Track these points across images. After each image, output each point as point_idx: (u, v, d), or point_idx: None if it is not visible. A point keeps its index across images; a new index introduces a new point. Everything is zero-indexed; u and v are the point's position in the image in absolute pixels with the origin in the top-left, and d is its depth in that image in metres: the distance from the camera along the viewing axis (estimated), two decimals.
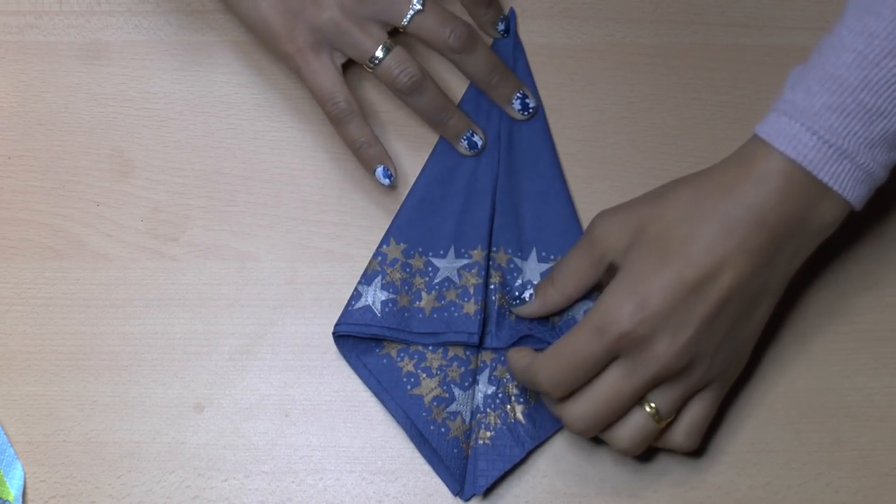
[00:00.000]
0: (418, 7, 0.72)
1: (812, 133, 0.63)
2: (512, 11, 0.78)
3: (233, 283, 0.75)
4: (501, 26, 0.77)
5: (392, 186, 0.75)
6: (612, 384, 0.66)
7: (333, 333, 0.72)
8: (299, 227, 0.76)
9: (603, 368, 0.66)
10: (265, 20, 0.73)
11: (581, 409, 0.67)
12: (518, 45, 0.77)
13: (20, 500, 0.71)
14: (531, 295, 0.71)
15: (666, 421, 0.67)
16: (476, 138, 0.75)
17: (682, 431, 0.68)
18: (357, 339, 0.73)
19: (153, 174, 0.77)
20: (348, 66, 0.75)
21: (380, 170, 0.74)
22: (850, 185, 0.64)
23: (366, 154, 0.74)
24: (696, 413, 0.68)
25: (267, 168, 0.77)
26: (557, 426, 0.72)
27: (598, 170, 0.76)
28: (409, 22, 0.72)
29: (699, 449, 0.71)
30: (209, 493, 0.72)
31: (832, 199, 0.65)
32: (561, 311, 0.71)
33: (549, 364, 0.66)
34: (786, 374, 0.73)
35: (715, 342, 0.66)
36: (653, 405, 0.66)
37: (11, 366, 0.73)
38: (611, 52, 0.78)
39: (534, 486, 0.72)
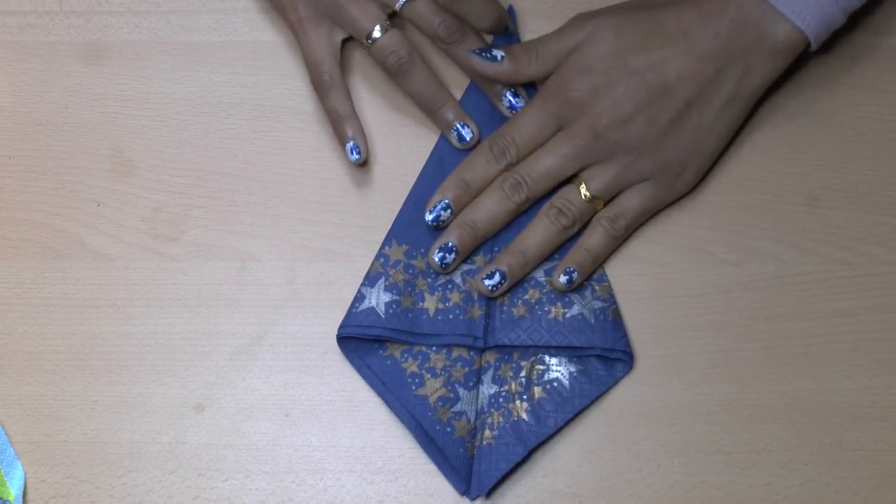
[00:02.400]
0: None
1: None
2: (511, 9, 0.78)
3: (233, 283, 0.75)
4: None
5: (361, 164, 0.75)
6: (554, 143, 0.72)
7: (338, 336, 0.72)
8: (300, 227, 0.76)
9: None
10: None
11: (527, 164, 0.73)
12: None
13: (21, 500, 0.71)
14: (502, 56, 0.73)
15: (597, 201, 0.72)
16: (465, 131, 0.75)
17: (609, 214, 0.73)
18: (360, 341, 0.73)
19: (153, 174, 0.77)
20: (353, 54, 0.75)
21: (350, 144, 0.75)
22: (806, 18, 0.70)
23: (341, 126, 0.75)
24: (625, 199, 0.73)
25: (267, 168, 0.77)
26: (560, 422, 0.72)
27: None
28: (401, 7, 0.73)
29: (705, 445, 0.71)
30: (210, 493, 0.72)
31: (786, 26, 0.70)
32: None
33: (508, 129, 0.73)
34: (786, 374, 0.73)
35: (653, 130, 0.71)
36: (584, 182, 0.72)
37: (12, 366, 0.73)
38: None
39: (534, 486, 0.72)
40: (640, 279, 0.74)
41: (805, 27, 0.71)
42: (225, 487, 0.72)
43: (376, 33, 0.73)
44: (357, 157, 0.75)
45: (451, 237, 0.73)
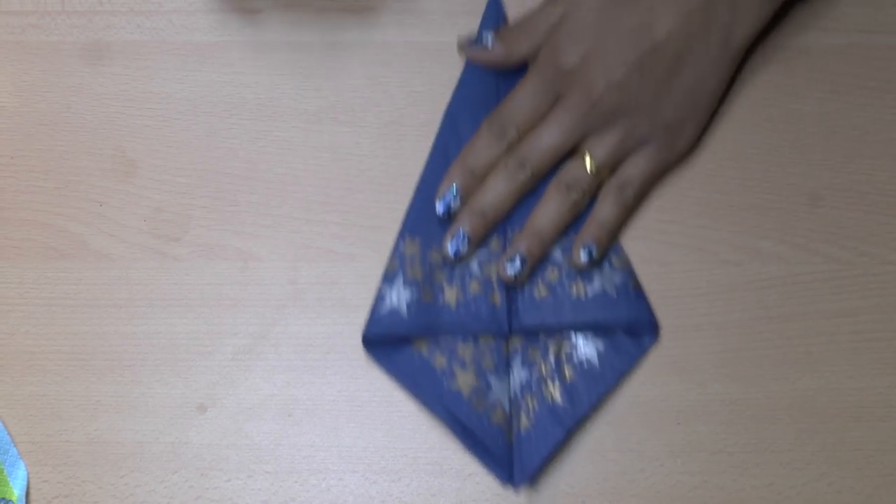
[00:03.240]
0: None
1: None
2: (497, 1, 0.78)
3: (235, 283, 0.75)
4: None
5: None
6: (553, 117, 0.72)
7: (363, 340, 0.72)
8: (302, 226, 0.76)
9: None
10: None
11: (529, 141, 0.73)
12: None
13: (23, 501, 0.71)
14: (492, 43, 0.74)
15: (602, 171, 0.72)
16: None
17: (617, 183, 0.73)
18: (384, 341, 0.73)
19: (156, 174, 0.77)
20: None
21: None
22: None
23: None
24: (630, 165, 0.73)
25: (270, 168, 0.77)
26: (595, 400, 0.72)
27: None
28: None
29: (704, 443, 0.71)
30: (212, 493, 0.72)
31: None
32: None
33: (505, 108, 0.73)
34: (788, 374, 0.73)
35: (649, 91, 0.71)
36: (587, 153, 0.72)
37: (14, 366, 0.73)
38: None
39: (535, 486, 0.72)
40: (642, 279, 0.74)
41: None
42: (228, 487, 0.72)
43: None
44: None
45: (462, 226, 0.73)
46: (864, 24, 0.79)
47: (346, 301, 0.74)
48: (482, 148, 0.73)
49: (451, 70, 0.77)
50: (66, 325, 0.74)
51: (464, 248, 0.73)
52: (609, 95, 0.71)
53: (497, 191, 0.73)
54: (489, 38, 0.75)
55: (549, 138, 0.73)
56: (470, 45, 0.75)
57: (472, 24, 0.79)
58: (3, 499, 0.70)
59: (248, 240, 0.75)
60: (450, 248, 0.73)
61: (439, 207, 0.73)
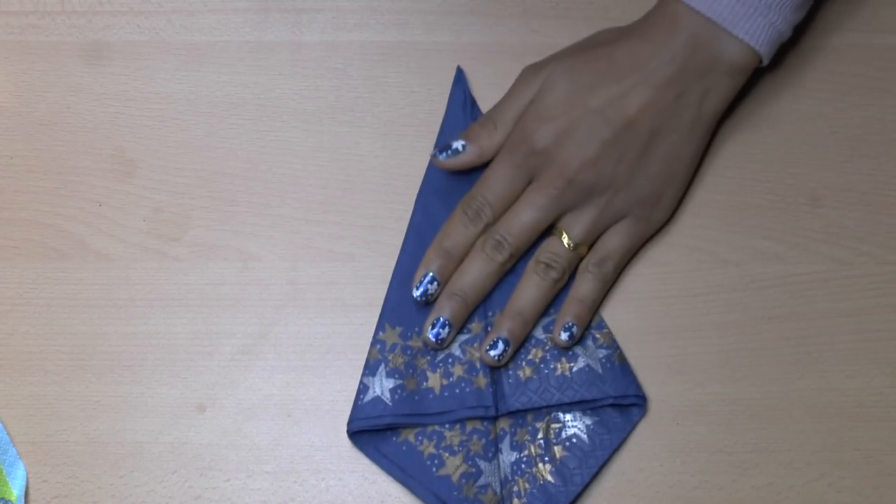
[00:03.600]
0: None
1: None
2: (460, 71, 0.77)
3: (235, 283, 0.75)
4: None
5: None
6: (528, 196, 0.72)
7: (348, 431, 0.72)
8: (301, 227, 0.76)
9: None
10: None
11: (505, 222, 0.72)
12: (472, 107, 0.77)
13: (23, 501, 0.71)
14: (464, 146, 0.73)
15: (580, 247, 0.72)
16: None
17: (594, 259, 0.73)
18: (372, 431, 0.72)
19: (155, 174, 0.77)
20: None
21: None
22: (760, 38, 0.71)
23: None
24: (607, 241, 0.73)
25: (269, 168, 0.77)
26: (587, 478, 0.71)
27: None
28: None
29: (706, 444, 0.71)
30: (211, 493, 0.72)
31: (740, 46, 0.71)
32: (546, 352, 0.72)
33: (479, 191, 0.73)
34: (788, 374, 0.73)
35: (623, 166, 0.71)
36: (564, 231, 0.72)
37: (14, 366, 0.73)
38: None
39: None
40: (642, 279, 0.74)
41: (757, 45, 0.71)
42: (227, 487, 0.72)
43: None
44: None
45: (442, 311, 0.72)
46: (864, 24, 0.79)
47: (345, 301, 0.74)
48: (458, 230, 0.73)
49: (450, 70, 0.77)
50: (66, 325, 0.74)
51: (445, 334, 0.72)
52: (584, 173, 0.71)
53: (476, 273, 0.72)
54: (460, 144, 0.73)
55: (525, 217, 0.72)
56: (442, 154, 0.74)
57: (472, 24, 0.79)
58: (3, 499, 0.70)
59: (248, 240, 0.75)
60: (431, 334, 0.72)
61: (417, 293, 0.72)
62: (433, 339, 0.72)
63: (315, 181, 0.76)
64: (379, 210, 0.76)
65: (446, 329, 0.72)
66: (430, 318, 0.72)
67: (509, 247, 0.72)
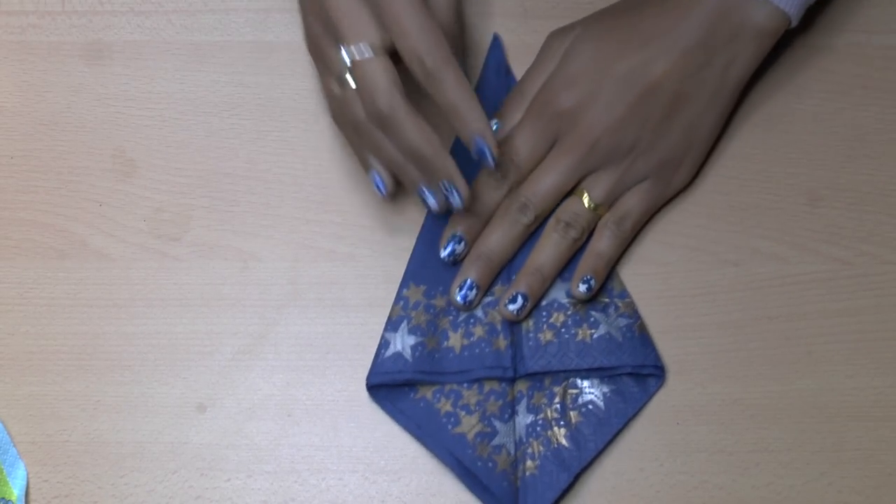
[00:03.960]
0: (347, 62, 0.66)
1: None
2: (496, 38, 0.77)
3: (235, 283, 0.75)
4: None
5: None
6: (552, 159, 0.72)
7: (367, 384, 0.72)
8: (302, 226, 0.76)
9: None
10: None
11: (530, 185, 0.73)
12: (507, 75, 0.77)
13: (23, 501, 0.71)
14: (496, 124, 0.74)
15: (600, 208, 0.73)
16: (430, 200, 0.69)
17: (613, 217, 0.73)
18: (390, 387, 0.72)
19: (156, 174, 0.77)
20: None
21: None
22: None
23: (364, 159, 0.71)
24: (627, 201, 0.73)
25: (269, 168, 0.77)
26: (601, 444, 0.71)
27: None
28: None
29: (707, 444, 0.71)
30: (212, 492, 0.72)
31: (766, 7, 0.70)
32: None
33: (504, 152, 0.72)
34: (788, 374, 0.73)
35: (647, 130, 0.72)
36: (586, 192, 0.72)
37: (14, 366, 0.73)
38: None
39: None
40: (642, 279, 0.74)
41: (785, 6, 0.71)
42: (227, 487, 0.72)
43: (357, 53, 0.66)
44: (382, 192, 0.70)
45: (469, 274, 0.73)
46: (864, 24, 0.79)
47: (345, 301, 0.74)
48: (484, 192, 0.73)
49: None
50: (66, 325, 0.74)
51: (472, 296, 0.73)
52: (607, 137, 0.72)
53: (501, 235, 0.73)
54: (493, 123, 0.74)
55: (549, 181, 0.73)
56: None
57: (472, 25, 0.79)
58: (3, 499, 0.70)
59: (248, 240, 0.75)
60: (459, 296, 0.73)
61: (444, 253, 0.73)
62: (461, 302, 0.72)
63: (315, 181, 0.76)
64: (379, 210, 0.76)
65: (473, 291, 0.73)
66: (457, 281, 0.73)
67: (534, 209, 0.73)
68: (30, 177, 0.76)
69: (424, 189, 0.68)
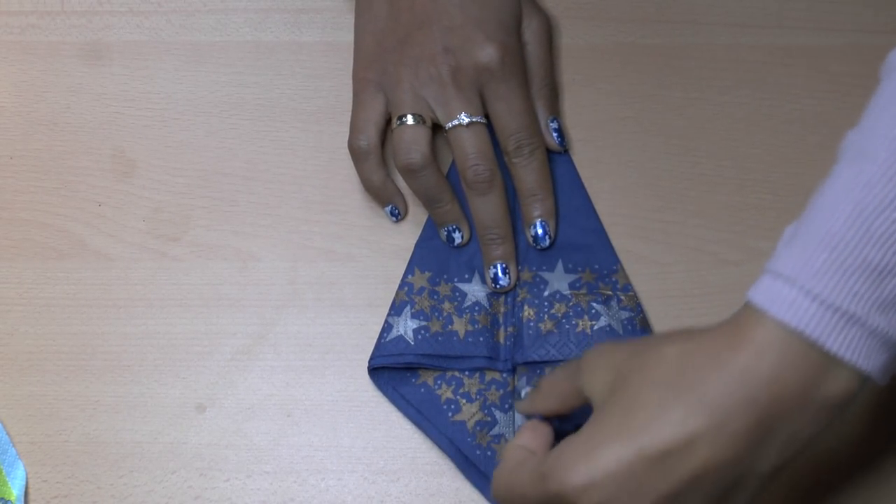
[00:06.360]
0: (465, 121, 0.71)
1: (812, 297, 0.54)
2: (557, 123, 0.76)
3: (235, 283, 0.75)
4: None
5: (399, 222, 0.75)
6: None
7: (369, 367, 0.72)
8: (301, 227, 0.76)
9: None
10: (359, 42, 0.75)
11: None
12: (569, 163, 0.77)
13: (22, 501, 0.71)
14: (526, 393, 0.71)
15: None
16: (456, 234, 0.74)
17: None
18: (392, 371, 0.72)
19: (155, 174, 0.77)
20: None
21: (388, 207, 0.75)
22: (862, 352, 0.54)
23: (378, 193, 0.74)
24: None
25: (269, 168, 0.77)
26: None
27: (600, 170, 0.76)
28: (449, 128, 0.72)
29: None
30: (211, 493, 0.72)
31: (841, 371, 0.54)
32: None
33: (494, 489, 0.62)
34: None
35: None
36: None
37: (13, 366, 0.73)
38: (613, 52, 0.78)
39: None
40: (641, 279, 0.74)
41: (869, 366, 0.55)
42: (226, 487, 0.72)
43: (409, 119, 0.72)
44: (396, 219, 0.75)
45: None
46: (864, 24, 0.79)
47: (345, 301, 0.74)
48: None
49: None
50: (66, 326, 0.74)
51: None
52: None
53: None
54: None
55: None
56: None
57: None
58: (3, 499, 0.70)
59: (248, 240, 0.75)
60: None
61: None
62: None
63: (315, 181, 0.76)
64: (379, 210, 0.76)
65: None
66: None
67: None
68: (29, 177, 0.76)
69: (453, 229, 0.74)
